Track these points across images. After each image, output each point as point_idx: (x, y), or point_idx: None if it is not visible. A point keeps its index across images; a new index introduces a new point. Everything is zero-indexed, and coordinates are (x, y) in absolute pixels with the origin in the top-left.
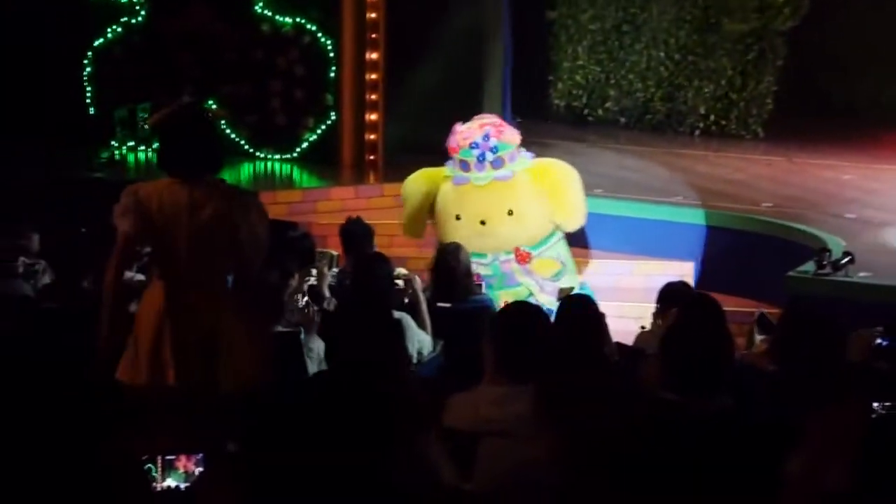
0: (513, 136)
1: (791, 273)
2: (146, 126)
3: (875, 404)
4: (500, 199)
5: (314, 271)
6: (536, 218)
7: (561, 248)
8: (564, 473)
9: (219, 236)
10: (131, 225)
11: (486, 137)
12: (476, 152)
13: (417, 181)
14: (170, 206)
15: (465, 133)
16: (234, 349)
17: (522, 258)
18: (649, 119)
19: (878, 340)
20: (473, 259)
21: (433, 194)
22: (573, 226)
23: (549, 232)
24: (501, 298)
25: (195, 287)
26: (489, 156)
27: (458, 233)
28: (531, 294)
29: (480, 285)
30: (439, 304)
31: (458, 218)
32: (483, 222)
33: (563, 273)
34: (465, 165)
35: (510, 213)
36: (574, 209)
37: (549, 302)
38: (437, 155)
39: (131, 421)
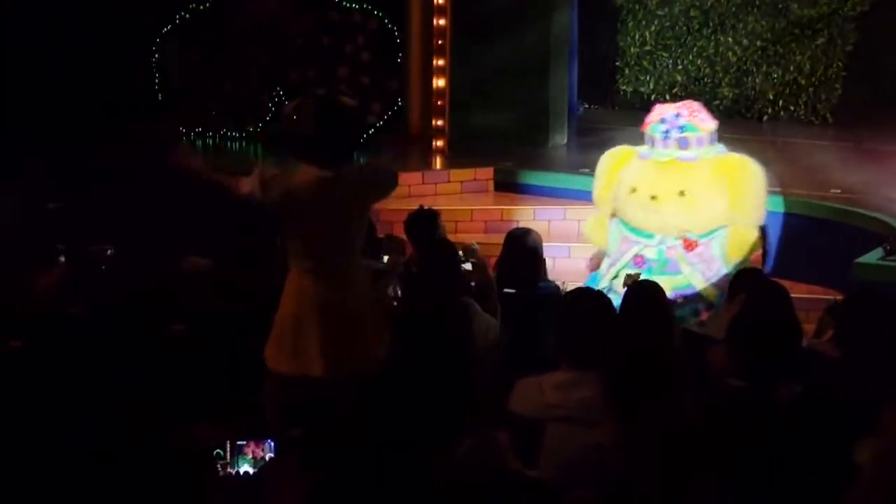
0: (706, 122)
1: (859, 260)
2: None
3: None
4: (675, 177)
5: (385, 258)
6: (709, 206)
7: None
8: (629, 460)
9: (358, 219)
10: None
11: (677, 116)
12: (662, 128)
13: (611, 155)
14: (314, 193)
15: (659, 110)
16: (369, 332)
17: (689, 245)
18: (717, 105)
19: None
20: (641, 239)
21: (622, 169)
22: (746, 222)
23: (724, 224)
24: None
25: (334, 272)
26: (674, 133)
27: (631, 206)
28: (690, 285)
29: (640, 271)
30: (505, 290)
31: (633, 191)
32: (654, 197)
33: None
34: (651, 141)
35: (682, 193)
36: (749, 206)
37: (713, 295)
38: (504, 139)
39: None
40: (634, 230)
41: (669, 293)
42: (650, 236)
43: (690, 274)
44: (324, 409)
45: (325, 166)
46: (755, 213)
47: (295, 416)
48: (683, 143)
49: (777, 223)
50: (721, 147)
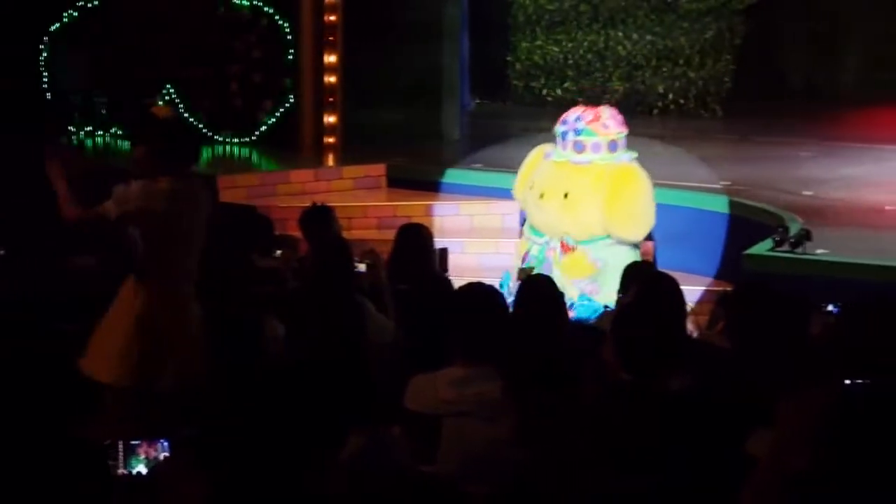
0: (604, 128)
1: (748, 251)
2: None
3: (846, 381)
4: (563, 179)
5: (279, 253)
6: (588, 211)
7: (614, 254)
8: (527, 454)
9: (198, 230)
10: (132, 219)
11: (577, 119)
12: (562, 129)
13: (532, 153)
14: (182, 205)
15: (569, 112)
16: (193, 342)
17: (565, 249)
18: (607, 99)
19: (829, 307)
20: (532, 236)
21: (536, 167)
22: (619, 233)
23: (604, 233)
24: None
25: (174, 284)
26: (570, 136)
27: (528, 203)
28: None
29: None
30: (399, 286)
31: (531, 188)
32: (542, 196)
33: (597, 279)
34: (557, 142)
35: (565, 195)
36: (621, 217)
37: (574, 296)
38: (397, 136)
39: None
40: (531, 227)
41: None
42: (540, 234)
43: (560, 277)
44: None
45: (177, 174)
46: (626, 224)
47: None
48: (578, 147)
49: (668, 216)
50: (625, 155)
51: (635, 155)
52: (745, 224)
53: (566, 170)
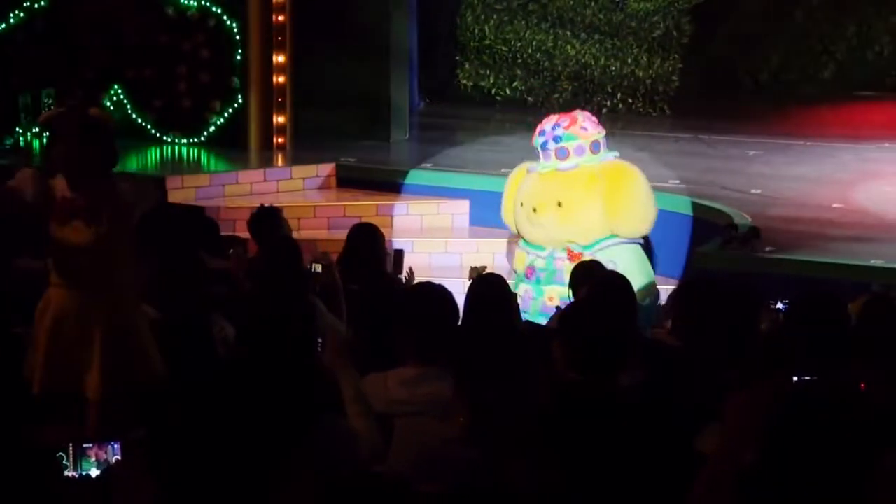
0: (583, 130)
1: (698, 249)
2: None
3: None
4: (553, 188)
5: (231, 252)
6: (587, 215)
7: (620, 254)
8: (479, 453)
9: (118, 239)
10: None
11: (554, 127)
12: (541, 140)
13: (511, 175)
14: (66, 211)
15: (542, 123)
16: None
17: (573, 256)
18: (556, 98)
19: (778, 305)
20: (532, 251)
21: (519, 186)
22: (626, 231)
23: (606, 234)
24: (546, 294)
25: (94, 289)
26: (551, 145)
27: (521, 220)
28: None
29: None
30: (349, 286)
31: (521, 205)
32: (535, 210)
33: None
34: (537, 154)
35: (559, 204)
36: (626, 214)
37: None
38: (347, 136)
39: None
40: (529, 243)
41: (556, 302)
42: (541, 248)
43: None
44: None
45: (79, 182)
46: (630, 218)
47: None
48: (562, 154)
49: None
50: (609, 154)
51: (617, 154)
52: (694, 222)
53: (555, 179)
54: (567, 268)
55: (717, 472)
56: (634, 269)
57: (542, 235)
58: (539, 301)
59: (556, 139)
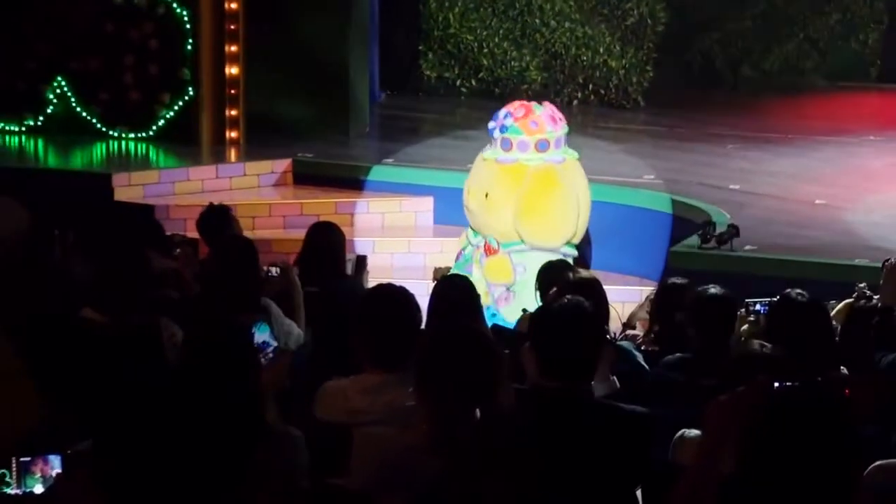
0: (532, 126)
1: (674, 248)
2: None
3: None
4: (486, 177)
5: (178, 252)
6: (505, 214)
7: (534, 261)
8: (443, 463)
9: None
10: None
11: (507, 115)
12: (490, 126)
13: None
14: None
15: (506, 106)
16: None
17: (488, 250)
18: (525, 89)
19: (757, 307)
20: (471, 238)
21: None
22: (527, 237)
23: (518, 238)
24: None
25: None
26: (496, 134)
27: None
28: None
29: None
30: (307, 288)
31: (468, 190)
32: (468, 193)
33: (514, 287)
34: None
35: (486, 195)
36: (528, 219)
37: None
38: (304, 130)
39: None
40: (472, 229)
41: None
42: (476, 234)
43: (477, 279)
44: None
45: None
46: (536, 231)
47: None
48: (505, 145)
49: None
50: (557, 157)
51: (576, 155)
52: (670, 220)
53: (491, 168)
54: (476, 259)
55: (696, 481)
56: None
57: (471, 221)
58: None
59: (503, 129)
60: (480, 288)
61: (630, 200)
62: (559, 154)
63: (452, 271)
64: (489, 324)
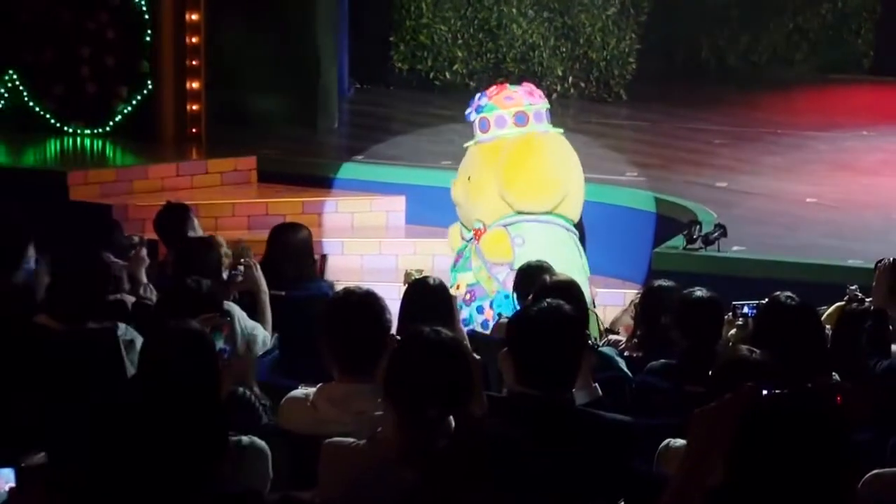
0: (507, 100)
1: (658, 249)
2: None
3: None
4: (468, 162)
5: (132, 253)
6: (488, 191)
7: (530, 231)
8: (416, 475)
9: None
10: None
11: (481, 96)
12: (467, 111)
13: None
14: None
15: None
16: None
17: (478, 234)
18: (501, 82)
19: (745, 309)
20: (465, 233)
21: None
22: (515, 203)
23: (511, 211)
24: (457, 281)
25: None
26: (473, 116)
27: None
28: (477, 282)
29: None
30: (272, 292)
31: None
32: (454, 184)
33: (516, 263)
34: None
35: (469, 178)
36: (512, 182)
37: (494, 290)
38: (269, 125)
39: None
40: (463, 225)
41: (463, 290)
42: (468, 230)
43: (478, 268)
44: None
45: None
46: (518, 190)
47: None
48: (483, 125)
49: None
50: (539, 129)
51: (560, 131)
52: (654, 220)
53: (472, 153)
54: (473, 250)
55: (682, 493)
56: (547, 250)
57: (462, 214)
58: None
59: (479, 109)
60: (482, 277)
61: (612, 199)
62: (540, 128)
63: (451, 276)
64: (470, 326)
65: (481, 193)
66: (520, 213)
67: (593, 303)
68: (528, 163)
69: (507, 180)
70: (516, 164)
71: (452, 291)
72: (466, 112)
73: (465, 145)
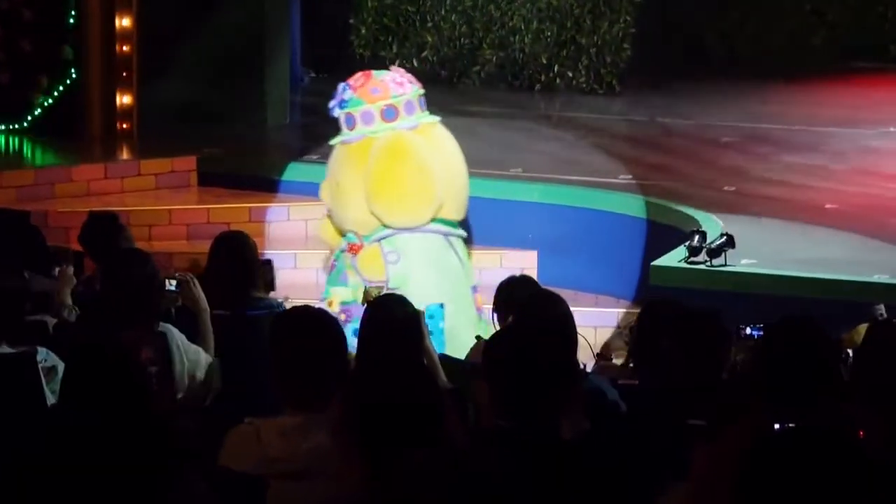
0: (374, 93)
1: (656, 262)
2: None
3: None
4: (334, 165)
5: (57, 271)
6: (360, 200)
7: (408, 245)
8: None
9: None
10: None
11: (345, 88)
12: (330, 105)
13: None
14: None
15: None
16: None
17: (353, 249)
18: (477, 71)
19: (749, 331)
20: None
21: None
22: (383, 217)
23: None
24: (332, 297)
25: None
26: (338, 111)
27: None
28: (354, 300)
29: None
30: (215, 312)
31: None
32: (322, 190)
33: (391, 280)
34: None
35: (338, 184)
36: (388, 199)
37: None
38: (210, 120)
39: None
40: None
41: (336, 308)
42: (346, 238)
43: (355, 286)
44: None
45: None
46: (394, 208)
47: None
48: (349, 122)
49: (553, 219)
50: (408, 123)
51: (436, 119)
52: (651, 228)
53: (339, 152)
54: (347, 264)
55: None
56: (424, 263)
57: (332, 218)
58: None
59: (342, 104)
60: (360, 293)
61: (602, 204)
62: (412, 120)
63: (327, 285)
64: None
65: (350, 201)
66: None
67: (479, 316)
68: (396, 173)
69: (374, 194)
70: (383, 176)
71: (325, 307)
72: (330, 106)
73: (331, 143)
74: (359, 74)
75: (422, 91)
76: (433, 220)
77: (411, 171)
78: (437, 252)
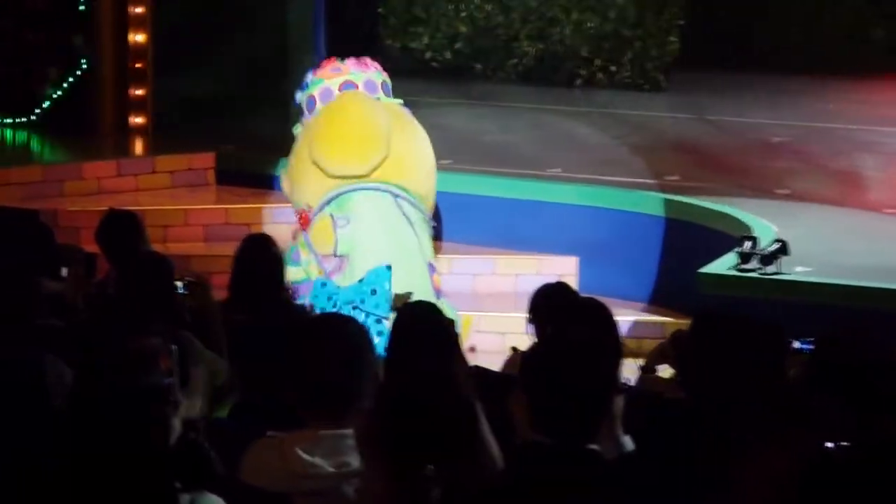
0: (335, 72)
1: (704, 269)
2: None
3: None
4: (293, 150)
5: (65, 272)
6: (309, 168)
7: (357, 204)
8: None
9: None
10: None
11: (308, 73)
12: (296, 97)
13: None
14: None
15: None
16: None
17: (302, 219)
18: (514, 65)
19: (797, 344)
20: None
21: None
22: (330, 166)
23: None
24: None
25: None
26: (300, 96)
27: None
28: (306, 278)
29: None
30: (237, 318)
31: None
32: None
33: (340, 246)
34: None
35: (293, 165)
36: (324, 144)
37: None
38: (230, 114)
39: None
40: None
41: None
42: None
43: (307, 262)
44: None
45: None
46: (331, 160)
47: None
48: (310, 105)
49: (591, 223)
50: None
51: (399, 101)
52: (698, 233)
53: (299, 136)
54: (301, 240)
55: None
56: (373, 224)
57: (293, 204)
58: None
59: (304, 87)
60: (312, 272)
61: (646, 208)
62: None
63: (289, 271)
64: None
65: (302, 174)
66: (336, 178)
67: (437, 296)
68: (336, 120)
69: (316, 143)
70: (324, 125)
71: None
72: (296, 98)
73: (294, 131)
74: (324, 61)
75: (387, 79)
76: (380, 181)
77: (350, 116)
78: (386, 211)
